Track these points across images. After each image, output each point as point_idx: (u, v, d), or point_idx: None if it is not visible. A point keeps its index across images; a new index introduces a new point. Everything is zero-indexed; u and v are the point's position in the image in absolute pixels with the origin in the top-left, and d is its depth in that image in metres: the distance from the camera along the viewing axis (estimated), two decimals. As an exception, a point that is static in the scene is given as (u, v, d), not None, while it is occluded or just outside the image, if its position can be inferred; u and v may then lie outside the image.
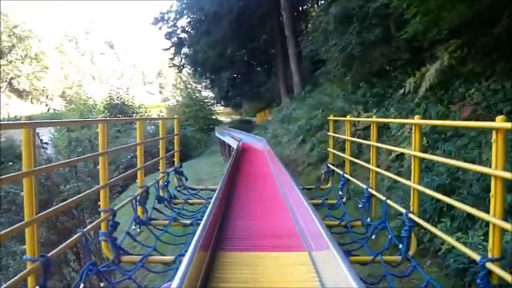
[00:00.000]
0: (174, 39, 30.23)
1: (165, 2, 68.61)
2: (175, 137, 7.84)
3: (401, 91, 9.61)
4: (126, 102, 33.84)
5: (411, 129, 8.13)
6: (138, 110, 34.09)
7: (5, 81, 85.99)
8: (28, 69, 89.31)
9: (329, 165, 7.79)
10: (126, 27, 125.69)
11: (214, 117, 40.38)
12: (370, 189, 5.41)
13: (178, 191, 7.45)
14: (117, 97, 33.88)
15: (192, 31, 29.83)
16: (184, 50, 32.33)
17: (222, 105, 46.71)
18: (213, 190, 6.75)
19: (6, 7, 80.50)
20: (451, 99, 8.21)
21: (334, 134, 8.17)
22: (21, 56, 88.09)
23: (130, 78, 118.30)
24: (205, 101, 40.32)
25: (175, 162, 7.81)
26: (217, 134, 26.19)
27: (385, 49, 10.80)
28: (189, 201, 7.07)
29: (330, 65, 12.51)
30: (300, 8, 28.54)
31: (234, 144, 15.94)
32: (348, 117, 7.41)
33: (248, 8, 26.45)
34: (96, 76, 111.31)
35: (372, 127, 5.75)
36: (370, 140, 5.77)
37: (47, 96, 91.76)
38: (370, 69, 11.26)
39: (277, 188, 7.91)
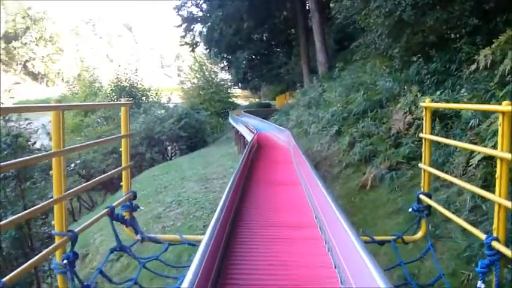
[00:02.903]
0: (184, 12, 27.70)
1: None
2: (123, 141, 4.12)
3: (473, 67, 7.29)
4: (135, 85, 31.66)
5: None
6: (148, 93, 32.00)
7: (20, 63, 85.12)
8: (43, 51, 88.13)
9: (421, 196, 4.02)
10: (145, 10, 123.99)
11: (231, 100, 38.38)
12: None
13: (129, 251, 3.77)
14: (125, 79, 31.71)
15: (204, 4, 27.30)
16: (198, 27, 29.88)
17: (239, 88, 44.31)
18: (195, 244, 3.62)
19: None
20: (546, 78, 6.23)
21: (439, 138, 4.93)
22: (35, 38, 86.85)
23: (148, 60, 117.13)
24: (222, 83, 38.25)
25: (124, 190, 4.12)
26: (230, 120, 23.87)
27: (445, 12, 8.40)
28: None
29: (371, 35, 9.94)
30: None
31: (248, 135, 13.21)
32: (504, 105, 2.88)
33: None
34: (114, 59, 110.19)
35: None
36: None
37: (62, 79, 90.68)
38: (425, 39, 8.90)
39: (318, 234, 4.19)
